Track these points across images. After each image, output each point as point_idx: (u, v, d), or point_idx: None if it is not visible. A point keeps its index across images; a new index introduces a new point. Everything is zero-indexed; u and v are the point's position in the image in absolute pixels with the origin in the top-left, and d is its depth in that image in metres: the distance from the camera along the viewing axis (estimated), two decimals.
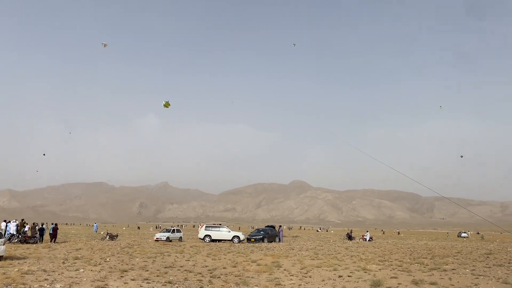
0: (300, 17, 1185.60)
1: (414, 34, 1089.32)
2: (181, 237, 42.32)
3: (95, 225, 66.40)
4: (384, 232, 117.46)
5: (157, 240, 39.35)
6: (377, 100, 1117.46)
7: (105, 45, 40.84)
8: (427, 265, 20.08)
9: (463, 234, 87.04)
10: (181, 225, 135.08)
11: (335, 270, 17.70)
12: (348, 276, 15.84)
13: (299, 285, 13.90)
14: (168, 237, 40.08)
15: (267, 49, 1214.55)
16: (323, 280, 14.89)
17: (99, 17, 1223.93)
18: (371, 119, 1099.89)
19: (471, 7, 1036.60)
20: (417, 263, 20.78)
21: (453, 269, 18.27)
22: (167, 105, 35.74)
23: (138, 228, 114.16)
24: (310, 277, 15.68)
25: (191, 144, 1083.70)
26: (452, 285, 14.11)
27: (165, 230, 44.15)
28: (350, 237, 53.50)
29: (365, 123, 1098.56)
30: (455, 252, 29.99)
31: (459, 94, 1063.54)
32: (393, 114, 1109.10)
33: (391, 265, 19.95)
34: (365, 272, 17.06)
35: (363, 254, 26.95)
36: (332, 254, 26.02)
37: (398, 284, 14.16)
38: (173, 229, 43.42)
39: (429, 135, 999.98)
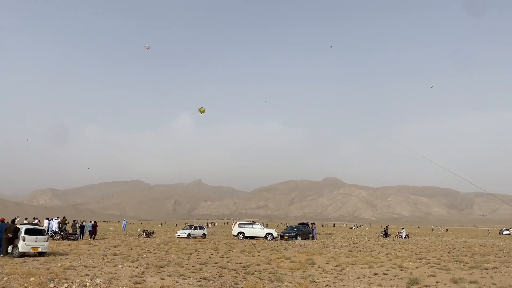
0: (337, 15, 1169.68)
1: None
2: (204, 234, 42.36)
3: (123, 222, 63.88)
4: (434, 230, 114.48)
5: (179, 237, 40.14)
6: (411, 94, 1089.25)
7: (148, 48, 41.90)
8: (466, 263, 19.44)
9: (505, 232, 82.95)
10: (213, 222, 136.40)
11: (370, 267, 17.43)
12: (384, 274, 15.55)
13: (334, 282, 13.75)
14: (189, 234, 40.43)
15: (297, 47, 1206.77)
16: (358, 278, 14.68)
17: (139, 20, 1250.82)
18: (405, 112, 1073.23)
19: None
20: (456, 261, 20.15)
21: (494, 268, 17.61)
22: (202, 110, 36.25)
23: (161, 224, 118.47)
24: (344, 274, 15.50)
25: (223, 142, 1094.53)
26: (494, 284, 13.59)
27: (187, 227, 44.55)
28: (386, 234, 52.47)
29: (398, 117, 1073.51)
30: (497, 250, 28.90)
31: (498, 88, 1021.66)
32: (430, 108, 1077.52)
33: (429, 263, 19.44)
34: (401, 270, 16.71)
35: (399, 251, 26.41)
36: (367, 252, 25.64)
37: (437, 282, 13.76)
38: (196, 226, 43.55)
39: (467, 129, 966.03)
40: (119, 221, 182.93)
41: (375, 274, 15.57)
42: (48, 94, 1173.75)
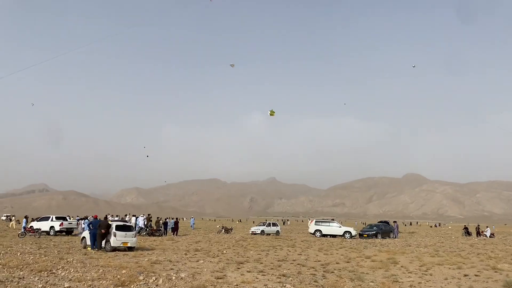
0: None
1: None
2: (278, 231, 42.66)
3: (191, 220, 59.48)
4: None
5: (252, 233, 41.09)
6: (497, 84, 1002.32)
7: (232, 66, 43.95)
8: None
9: None
10: (287, 220, 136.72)
11: (459, 268, 16.37)
12: (475, 276, 14.53)
13: (419, 283, 13.13)
14: (262, 231, 41.20)
15: (374, 41, 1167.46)
16: (446, 279, 13.87)
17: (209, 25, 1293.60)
18: (490, 103, 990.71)
19: None
20: None
21: None
22: (272, 113, 37.03)
23: (239, 221, 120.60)
24: (430, 275, 14.73)
25: (297, 139, 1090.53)
26: None
27: (261, 223, 45.13)
28: (468, 233, 49.06)
29: (484, 108, 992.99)
30: None
31: None
32: None
33: None
34: (495, 272, 15.49)
35: (492, 252, 24.49)
36: (455, 252, 24.10)
37: None
38: (269, 223, 44.29)
39: None
40: (202, 218, 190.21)
41: (465, 275, 14.60)
42: (130, 102, 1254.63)
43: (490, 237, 46.07)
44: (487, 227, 53.99)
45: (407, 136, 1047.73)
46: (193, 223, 55.21)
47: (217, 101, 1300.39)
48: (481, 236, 47.79)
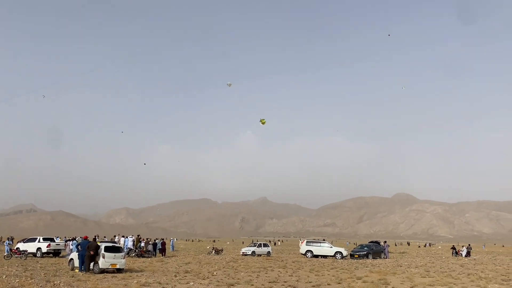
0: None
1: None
2: (269, 252, 42.34)
3: (171, 241, 57.43)
4: None
5: (243, 254, 40.75)
6: (487, 100, 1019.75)
7: (230, 85, 44.21)
8: None
9: None
10: (280, 240, 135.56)
11: None
12: None
13: None
14: (253, 252, 40.87)
15: (362, 58, 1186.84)
16: None
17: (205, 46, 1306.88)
18: (486, 119, 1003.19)
19: None
20: None
21: None
22: (263, 122, 37.02)
23: (232, 241, 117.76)
24: None
25: (288, 158, 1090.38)
26: None
27: (251, 244, 44.96)
28: (456, 253, 49.17)
29: (480, 124, 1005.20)
30: None
31: None
32: None
33: None
34: None
35: (482, 272, 24.47)
36: (446, 272, 24.05)
37: None
38: (260, 244, 44.01)
39: None
40: (187, 240, 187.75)
41: None
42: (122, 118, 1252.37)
43: (465, 256, 46.27)
44: (463, 246, 54.16)
45: (398, 155, 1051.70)
46: (173, 245, 52.97)
47: (209, 120, 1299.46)
48: (458, 255, 47.98)
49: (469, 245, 59.54)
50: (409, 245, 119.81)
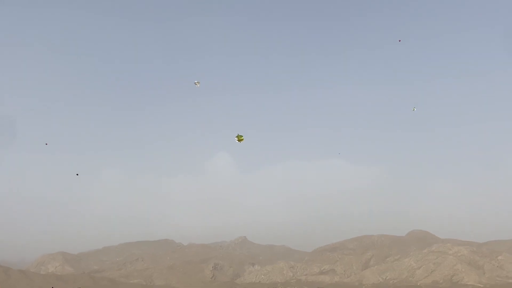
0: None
1: None
2: None
3: None
4: None
5: None
6: None
7: (197, 84, 40.48)
8: None
9: None
10: None
11: None
12: None
13: None
14: None
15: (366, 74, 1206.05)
16: None
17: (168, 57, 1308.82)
18: None
19: None
20: None
21: None
22: (240, 138, 32.71)
23: None
24: None
25: (274, 187, 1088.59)
26: None
27: None
28: None
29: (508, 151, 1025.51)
30: None
31: None
32: None
33: None
34: None
35: None
36: None
37: None
38: None
39: None
40: None
41: None
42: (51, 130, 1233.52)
43: None
44: None
45: (412, 183, 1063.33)
46: None
47: (173, 138, 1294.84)
48: None
49: None
50: None
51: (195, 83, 39.29)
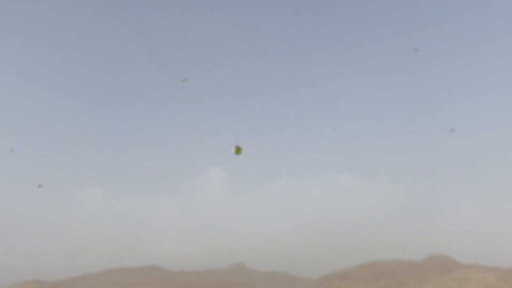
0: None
1: None
2: None
3: None
4: None
5: None
6: None
7: (185, 80, 50.97)
8: None
9: None
10: None
11: None
12: None
13: None
14: None
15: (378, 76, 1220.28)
16: None
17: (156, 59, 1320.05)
18: None
19: None
20: None
21: None
22: (238, 151, 37.18)
23: None
24: None
25: (274, 207, 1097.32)
26: None
27: None
28: None
29: None
30: None
31: None
32: None
33: None
34: None
35: None
36: None
37: None
38: None
39: None
40: None
41: None
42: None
43: None
44: None
45: (429, 201, 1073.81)
46: None
47: (159, 152, 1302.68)
48: None
49: None
50: None
51: (182, 80, 46.03)
